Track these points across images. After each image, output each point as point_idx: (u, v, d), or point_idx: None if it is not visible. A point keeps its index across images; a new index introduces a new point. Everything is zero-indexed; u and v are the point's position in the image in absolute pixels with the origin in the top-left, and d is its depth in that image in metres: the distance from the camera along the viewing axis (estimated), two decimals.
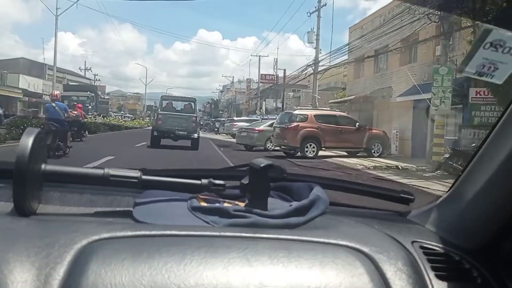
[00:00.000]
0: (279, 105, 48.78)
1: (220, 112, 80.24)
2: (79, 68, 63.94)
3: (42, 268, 0.56)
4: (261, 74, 50.70)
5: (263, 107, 50.04)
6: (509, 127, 0.71)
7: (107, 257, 0.57)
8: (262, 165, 0.76)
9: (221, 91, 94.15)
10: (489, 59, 0.71)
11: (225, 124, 34.29)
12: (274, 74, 50.67)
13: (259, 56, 51.89)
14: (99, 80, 67.01)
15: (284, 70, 38.40)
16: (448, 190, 0.86)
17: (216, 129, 38.57)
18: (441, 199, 0.87)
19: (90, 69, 64.15)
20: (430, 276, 0.69)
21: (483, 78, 0.72)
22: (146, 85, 63.06)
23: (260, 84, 51.71)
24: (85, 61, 78.25)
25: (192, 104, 17.22)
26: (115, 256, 0.57)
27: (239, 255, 0.60)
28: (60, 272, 0.56)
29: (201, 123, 56.71)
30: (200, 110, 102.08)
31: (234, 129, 28.47)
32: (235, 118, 36.64)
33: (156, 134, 15.75)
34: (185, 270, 0.57)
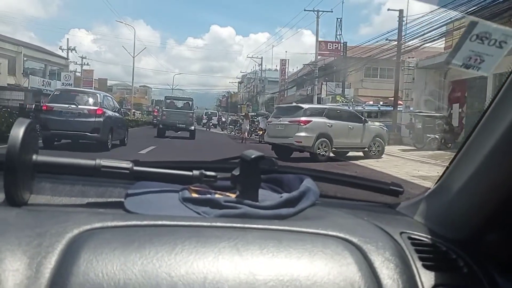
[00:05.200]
0: (349, 91, 29.78)
1: (242, 105, 62.52)
2: (60, 48, 46.42)
3: (33, 257, 0.56)
4: (320, 42, 31.71)
5: (323, 93, 31.03)
6: (494, 120, 0.72)
7: (98, 247, 0.57)
8: (253, 156, 0.76)
9: (241, 82, 77.03)
10: (476, 51, 0.71)
11: (273, 125, 13.39)
12: (339, 41, 31.59)
13: (317, 11, 32.99)
14: (87, 64, 50.11)
15: (401, 10, 19.54)
16: (436, 182, 0.87)
17: (259, 135, 19.81)
18: (429, 191, 0.88)
19: (74, 49, 46.70)
20: (417, 266, 0.70)
21: (470, 70, 0.73)
22: (134, 57, 45.22)
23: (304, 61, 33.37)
24: (67, 39, 60.63)
25: (190, 102, 21.77)
26: (106, 246, 0.58)
27: (229, 245, 0.60)
28: (51, 261, 0.56)
29: (223, 119, 37.37)
30: (215, 105, 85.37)
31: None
32: (305, 107, 13.48)
33: (161, 126, 19.76)
34: (176, 260, 0.57)
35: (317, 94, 31.76)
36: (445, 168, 0.85)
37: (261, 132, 20.14)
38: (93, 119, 11.30)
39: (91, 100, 11.72)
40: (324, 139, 12.37)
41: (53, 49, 45.65)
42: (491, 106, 0.73)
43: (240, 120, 29.81)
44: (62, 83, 39.30)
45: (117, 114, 13.07)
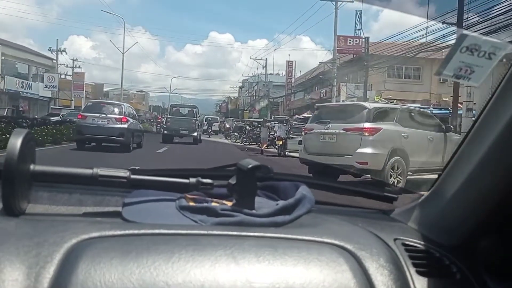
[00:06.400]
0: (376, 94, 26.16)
1: (245, 111, 58.83)
2: (49, 49, 42.39)
3: (32, 267, 0.56)
4: (338, 37, 27.56)
5: (342, 95, 27.21)
6: (486, 127, 0.73)
7: (96, 256, 0.58)
8: (249, 166, 0.76)
9: (242, 87, 73.45)
10: (466, 63, 0.73)
11: (316, 136, 8.61)
12: (360, 36, 27.63)
13: (336, 1, 28.58)
14: (79, 67, 46.04)
15: None
16: (430, 189, 0.87)
17: (278, 146, 15.92)
18: (422, 198, 0.88)
19: (64, 50, 42.64)
20: (411, 272, 0.70)
21: (461, 81, 0.75)
22: (123, 53, 40.83)
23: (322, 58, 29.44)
24: (57, 39, 56.42)
25: (194, 110, 23.01)
26: (104, 255, 0.58)
27: (226, 253, 0.61)
28: (50, 271, 0.56)
29: (227, 125, 36.96)
30: (214, 111, 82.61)
31: None
32: (368, 106, 8.49)
33: (166, 132, 20.75)
34: (173, 268, 0.58)
35: (335, 97, 27.57)
36: (438, 175, 0.85)
37: (280, 143, 15.96)
38: (119, 126, 13.56)
39: (116, 110, 14.24)
40: (398, 157, 7.81)
41: (51, 54, 41.49)
42: (482, 114, 0.74)
43: (247, 127, 25.66)
44: (45, 85, 35.14)
45: (136, 121, 15.73)
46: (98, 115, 13.73)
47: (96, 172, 0.73)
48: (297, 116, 26.07)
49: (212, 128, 38.52)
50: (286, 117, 19.96)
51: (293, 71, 46.22)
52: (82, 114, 14.39)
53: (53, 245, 0.59)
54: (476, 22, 14.32)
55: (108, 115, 13.80)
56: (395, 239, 0.76)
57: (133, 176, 0.76)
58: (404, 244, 0.76)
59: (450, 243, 0.77)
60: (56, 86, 35.37)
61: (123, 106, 15.16)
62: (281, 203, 0.78)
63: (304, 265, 0.61)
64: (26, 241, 0.59)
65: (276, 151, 16.91)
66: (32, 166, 0.72)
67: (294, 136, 16.46)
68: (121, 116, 13.94)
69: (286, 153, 16.30)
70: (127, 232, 0.63)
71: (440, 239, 0.79)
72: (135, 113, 16.76)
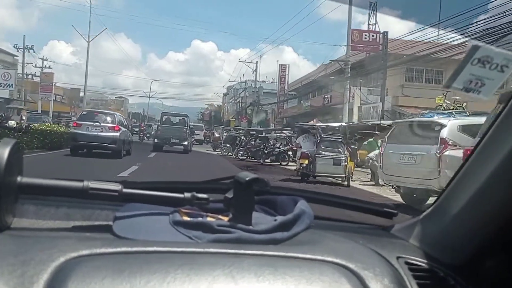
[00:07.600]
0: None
1: (232, 119, 54.27)
2: (14, 46, 38.86)
3: (17, 287, 0.53)
4: (353, 31, 23.32)
5: (355, 101, 23.02)
6: (492, 146, 0.71)
7: (86, 276, 0.55)
8: (247, 178, 0.74)
9: (226, 94, 69.00)
10: (476, 75, 0.71)
11: None
12: (377, 31, 23.53)
13: None
14: (49, 67, 42.02)
15: None
16: (432, 205, 0.85)
17: (301, 167, 11.09)
18: (424, 213, 0.87)
19: (32, 48, 37.80)
20: None
21: (470, 94, 0.72)
22: (89, 42, 36.07)
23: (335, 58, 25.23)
24: (24, 35, 51.04)
25: (185, 118, 22.68)
26: (95, 274, 0.56)
27: (224, 272, 0.59)
28: None
29: (216, 135, 35.11)
30: (197, 119, 78.08)
31: None
32: None
33: (156, 141, 20.83)
34: None
35: (348, 102, 23.05)
36: (441, 191, 0.84)
37: (305, 162, 11.11)
38: (112, 134, 14.29)
39: (109, 119, 15.04)
40: None
41: (32, 60, 36.54)
42: (488, 133, 0.72)
43: (242, 137, 20.85)
44: None
45: (126, 130, 16.38)
46: (92, 123, 14.37)
47: (87, 185, 0.70)
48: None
49: (195, 137, 33.24)
50: (315, 125, 14.45)
51: (286, 75, 41.70)
52: (77, 122, 15.05)
53: (40, 263, 0.56)
54: None
55: (102, 124, 14.47)
56: (397, 257, 0.74)
57: (125, 190, 0.73)
58: (407, 263, 0.73)
59: (454, 262, 0.75)
60: (12, 84, 30.00)
61: (115, 115, 16.06)
62: (280, 218, 0.76)
63: (306, 285, 0.59)
64: (11, 259, 0.56)
65: (296, 172, 12.04)
66: (19, 178, 0.69)
67: (326, 153, 11.42)
68: (114, 125, 14.64)
69: (311, 177, 11.44)
70: (119, 249, 0.61)
71: (444, 258, 0.77)
72: (126, 122, 17.50)
